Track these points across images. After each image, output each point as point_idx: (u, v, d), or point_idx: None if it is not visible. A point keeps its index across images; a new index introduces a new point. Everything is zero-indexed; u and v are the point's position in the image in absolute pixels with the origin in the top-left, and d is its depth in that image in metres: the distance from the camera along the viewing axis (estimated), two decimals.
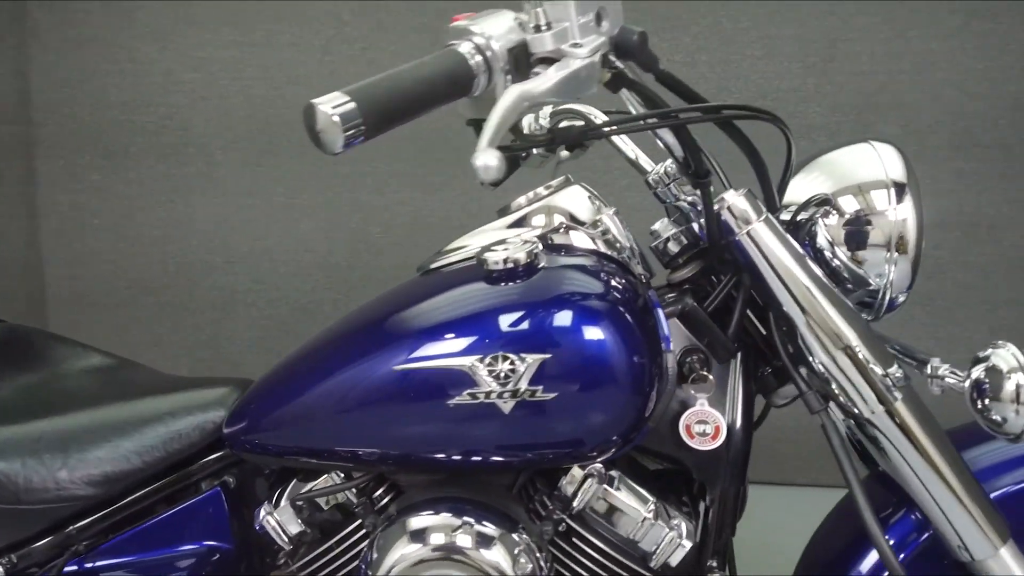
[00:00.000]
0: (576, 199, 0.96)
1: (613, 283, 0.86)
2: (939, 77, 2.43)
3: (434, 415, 0.83)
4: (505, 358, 0.79)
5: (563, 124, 0.96)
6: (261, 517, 0.90)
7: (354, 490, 0.89)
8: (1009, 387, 0.80)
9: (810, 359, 0.84)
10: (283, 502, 0.89)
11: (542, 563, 0.84)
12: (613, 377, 0.81)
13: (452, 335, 0.84)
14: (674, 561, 0.86)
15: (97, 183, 2.92)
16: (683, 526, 0.87)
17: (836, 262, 0.87)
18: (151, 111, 2.84)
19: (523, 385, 0.79)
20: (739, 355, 0.89)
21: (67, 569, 0.89)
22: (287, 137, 2.76)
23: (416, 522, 0.83)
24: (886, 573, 0.87)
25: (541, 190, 0.98)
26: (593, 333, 0.82)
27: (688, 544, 0.86)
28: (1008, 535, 0.89)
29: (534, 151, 1.05)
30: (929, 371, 0.87)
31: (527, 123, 0.95)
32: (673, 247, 0.93)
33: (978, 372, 0.82)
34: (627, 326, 0.83)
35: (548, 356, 0.80)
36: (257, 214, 2.81)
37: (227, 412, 0.92)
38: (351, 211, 2.76)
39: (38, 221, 2.93)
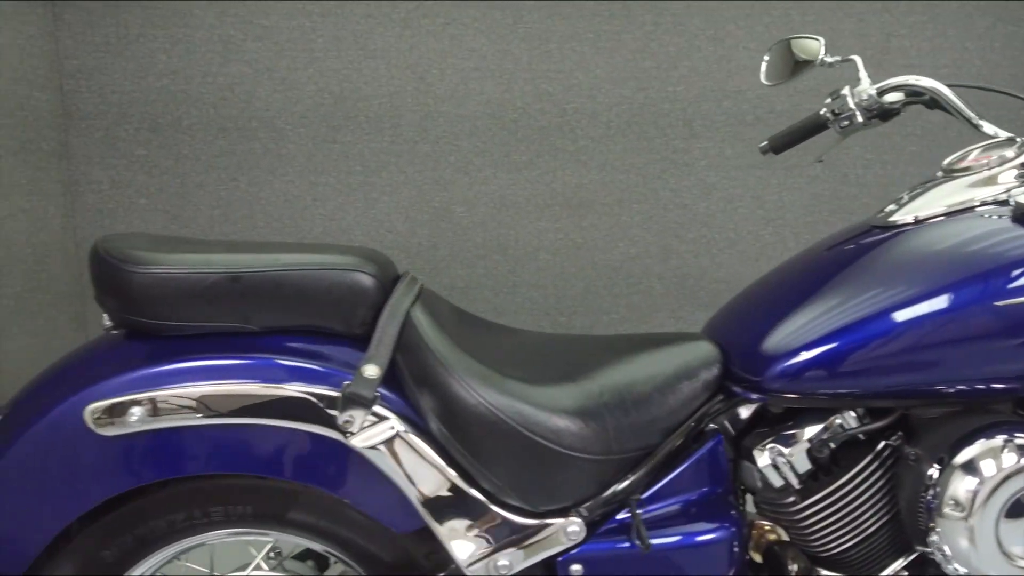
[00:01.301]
0: None
1: None
2: (972, 72, 2.78)
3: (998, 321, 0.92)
4: None
5: (888, 96, 1.14)
6: (768, 458, 0.99)
7: (864, 430, 0.99)
8: None
9: None
10: (796, 441, 0.99)
11: None
12: None
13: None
14: None
15: (143, 157, 2.68)
16: None
17: None
18: (207, 81, 2.64)
19: None
20: None
21: (619, 516, 0.97)
22: (364, 112, 2.67)
23: (980, 445, 0.93)
24: None
25: (1003, 152, 1.07)
26: None
27: None
28: None
29: (858, 119, 1.20)
30: None
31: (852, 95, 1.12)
32: None
33: None
34: None
35: None
36: (331, 192, 2.72)
37: (743, 349, 1.00)
38: (434, 189, 2.74)
39: (72, 199, 2.66)
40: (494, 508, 0.93)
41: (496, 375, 0.93)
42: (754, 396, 1.00)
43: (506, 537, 0.93)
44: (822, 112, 1.29)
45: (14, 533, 0.88)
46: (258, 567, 1.01)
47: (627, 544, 0.96)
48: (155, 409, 0.87)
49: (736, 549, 0.98)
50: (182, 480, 0.93)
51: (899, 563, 1.04)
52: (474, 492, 0.93)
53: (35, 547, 0.89)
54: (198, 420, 0.87)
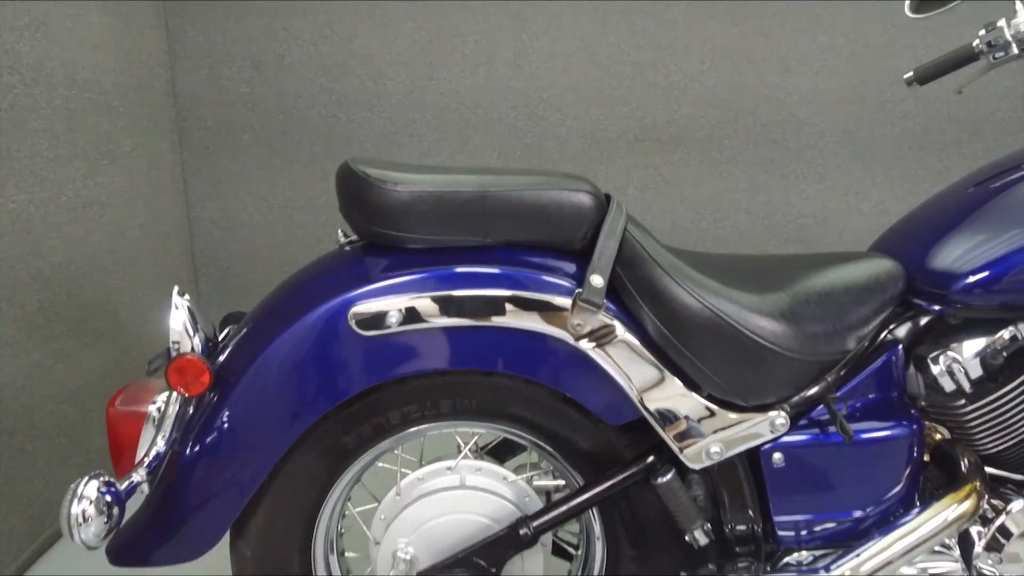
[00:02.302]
0: None
1: None
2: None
3: None
4: None
5: None
6: (943, 365, 1.07)
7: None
8: None
9: None
10: (971, 352, 1.06)
11: None
12: None
13: None
14: None
15: (245, 95, 2.77)
16: None
17: None
18: (308, 19, 2.70)
19: None
20: None
21: (814, 414, 1.07)
22: (459, 49, 2.72)
23: None
24: None
25: None
26: None
27: None
28: None
29: (1013, 50, 1.24)
30: None
31: (1010, 26, 1.16)
32: None
33: None
34: None
35: None
36: (427, 128, 2.79)
37: (947, 272, 1.06)
38: (527, 125, 2.79)
39: (180, 136, 2.76)
40: (708, 403, 1.04)
41: (714, 282, 1.03)
42: (937, 308, 1.08)
43: (719, 427, 1.04)
44: (975, 44, 1.32)
45: (272, 424, 0.99)
46: (465, 457, 1.13)
47: (822, 437, 1.06)
48: (412, 314, 0.97)
49: (916, 446, 1.07)
50: (417, 376, 1.04)
51: None
52: (691, 389, 1.03)
53: (292, 436, 1.01)
54: (448, 322, 0.97)
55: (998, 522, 1.09)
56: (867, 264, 1.12)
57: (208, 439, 1.01)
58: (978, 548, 1.09)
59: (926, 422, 1.15)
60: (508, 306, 0.99)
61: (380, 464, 1.20)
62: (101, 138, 2.20)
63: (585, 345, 1.00)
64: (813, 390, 1.07)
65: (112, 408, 1.07)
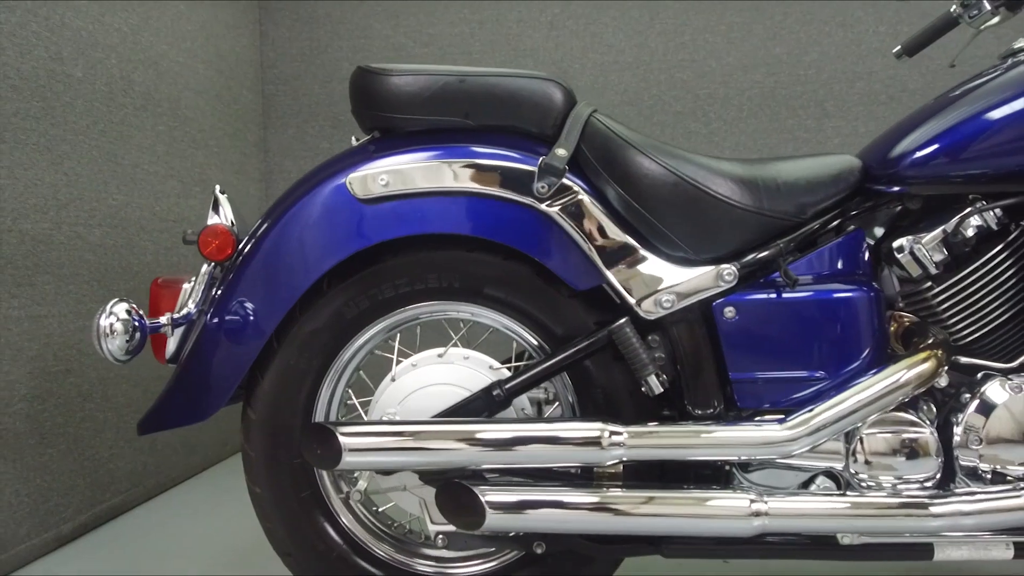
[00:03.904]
0: None
1: None
2: None
3: None
4: None
5: None
6: (907, 250, 1.10)
7: (996, 218, 1.09)
8: None
9: None
10: (931, 231, 1.09)
11: None
12: None
13: None
14: None
15: (326, 150, 3.11)
16: None
17: None
18: None
19: None
20: None
21: (769, 276, 1.12)
22: None
23: None
24: None
25: None
26: None
27: None
28: None
29: (986, 7, 1.30)
30: None
31: None
32: None
33: None
34: None
35: None
36: None
37: (879, 154, 1.14)
38: None
39: (267, 186, 3.11)
40: (661, 258, 1.12)
41: (667, 145, 1.14)
42: (894, 189, 1.13)
43: (671, 280, 1.10)
44: (952, 9, 1.41)
45: (277, 285, 1.13)
46: (455, 345, 1.23)
47: (774, 294, 1.09)
48: (400, 176, 1.12)
49: (872, 312, 1.09)
50: (407, 253, 1.17)
51: None
52: (645, 247, 1.12)
53: (293, 296, 1.14)
54: (431, 187, 1.12)
55: (973, 405, 1.07)
56: (829, 156, 1.20)
57: (223, 303, 1.16)
58: (957, 435, 1.08)
59: (901, 312, 1.17)
60: (482, 172, 1.12)
61: (377, 353, 1.31)
62: (195, 167, 2.53)
63: (550, 209, 1.11)
64: (766, 252, 1.12)
65: (156, 284, 1.25)
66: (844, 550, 1.06)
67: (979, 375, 1.11)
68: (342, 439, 1.06)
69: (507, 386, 1.14)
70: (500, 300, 1.18)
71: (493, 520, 1.02)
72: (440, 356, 1.23)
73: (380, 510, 1.28)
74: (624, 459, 1.04)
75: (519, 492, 1.04)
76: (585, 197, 1.12)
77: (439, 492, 1.07)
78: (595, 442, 1.03)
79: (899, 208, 1.18)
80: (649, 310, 1.11)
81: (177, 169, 2.42)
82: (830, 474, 1.09)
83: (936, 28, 1.57)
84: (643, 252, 1.12)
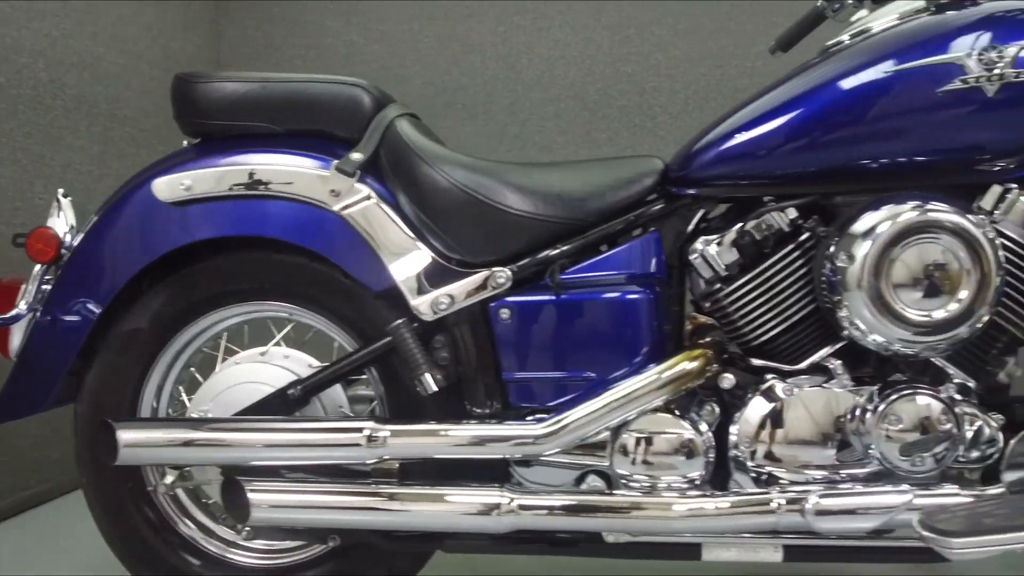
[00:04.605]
0: None
1: None
2: None
3: (919, 104, 1.01)
4: (992, 49, 0.97)
5: None
6: (699, 251, 1.09)
7: (788, 219, 1.08)
8: None
9: None
10: (719, 233, 1.09)
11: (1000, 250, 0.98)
12: None
13: (942, 38, 1.01)
14: None
15: None
16: None
17: None
18: None
19: (1007, 70, 0.97)
20: None
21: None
22: (461, 100, 3.01)
23: (889, 210, 0.99)
24: None
25: None
26: None
27: None
28: None
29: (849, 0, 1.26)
30: None
31: None
32: None
33: None
34: None
35: None
36: None
37: (675, 157, 1.15)
38: None
39: None
40: (440, 260, 1.14)
41: (455, 154, 1.17)
42: (688, 191, 1.13)
43: (447, 281, 1.12)
44: (818, 4, 1.39)
45: (92, 286, 1.17)
46: (278, 344, 1.28)
47: (546, 298, 1.11)
48: (202, 180, 1.17)
49: (651, 318, 1.09)
50: (218, 258, 1.22)
51: (826, 350, 1.09)
52: (426, 248, 1.15)
53: (107, 297, 1.19)
54: (228, 191, 1.16)
55: (748, 407, 1.07)
56: (632, 158, 1.20)
57: (48, 302, 1.22)
58: (732, 436, 1.08)
59: (696, 314, 1.17)
60: (279, 175, 1.16)
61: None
62: (137, 166, 2.61)
63: (343, 211, 1.14)
64: (544, 253, 1.13)
65: None
66: (610, 548, 1.07)
67: (765, 377, 1.10)
68: (119, 434, 1.11)
69: (302, 385, 1.17)
70: (312, 300, 1.22)
71: (257, 514, 1.06)
72: (262, 355, 1.27)
73: (211, 502, 1.33)
74: (386, 457, 1.07)
75: (282, 488, 1.07)
76: (376, 200, 1.15)
77: (222, 486, 1.11)
78: (356, 442, 1.06)
79: (703, 210, 1.18)
80: (424, 311, 1.13)
81: (115, 168, 2.50)
82: (602, 472, 1.11)
83: (805, 23, 1.55)
84: (425, 255, 1.15)
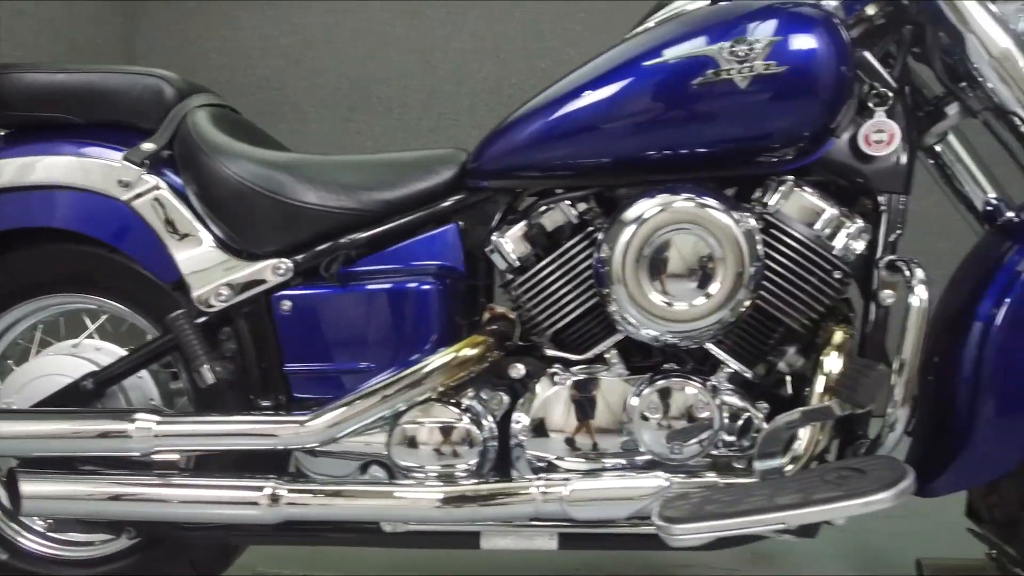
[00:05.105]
0: None
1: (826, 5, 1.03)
2: None
3: (677, 97, 1.02)
4: (743, 42, 0.98)
5: None
6: (494, 241, 1.09)
7: (576, 212, 1.08)
8: None
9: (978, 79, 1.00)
10: (513, 225, 1.09)
11: (759, 240, 1.00)
12: (827, 69, 0.99)
13: (691, 33, 1.02)
14: (851, 255, 1.03)
15: None
16: (861, 225, 1.04)
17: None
18: (248, 73, 3.08)
19: (758, 62, 0.98)
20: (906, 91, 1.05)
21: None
22: (376, 94, 3.00)
23: (660, 199, 1.00)
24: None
25: None
26: (814, 27, 1.00)
27: (866, 239, 1.03)
28: None
29: None
30: None
31: None
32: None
33: None
34: (840, 37, 1.00)
35: (779, 39, 0.97)
36: None
37: (473, 150, 1.14)
38: None
39: None
40: (225, 252, 1.14)
41: (240, 145, 1.16)
42: (483, 184, 1.13)
43: (228, 272, 1.12)
44: None
45: None
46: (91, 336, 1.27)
47: (326, 289, 1.10)
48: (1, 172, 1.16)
49: (437, 309, 1.09)
50: (22, 249, 1.21)
51: (610, 340, 1.08)
52: (212, 239, 1.14)
53: None
54: (22, 182, 1.15)
55: (527, 397, 1.08)
56: (435, 151, 1.20)
57: None
58: (513, 424, 1.08)
59: (493, 304, 1.17)
60: (71, 166, 1.16)
61: None
62: None
63: (131, 201, 1.14)
64: (329, 245, 1.13)
65: None
66: (389, 537, 1.07)
67: (552, 367, 1.11)
68: None
69: (95, 377, 1.17)
70: (116, 291, 1.22)
71: (28, 506, 1.06)
72: (74, 347, 1.27)
73: None
74: (158, 449, 1.07)
75: (55, 479, 1.07)
76: (165, 191, 1.14)
77: (6, 478, 1.11)
78: (126, 433, 1.05)
79: (508, 203, 1.18)
80: (204, 302, 1.13)
81: None
82: (383, 463, 1.11)
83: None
84: (209, 247, 1.14)
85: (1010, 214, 1.13)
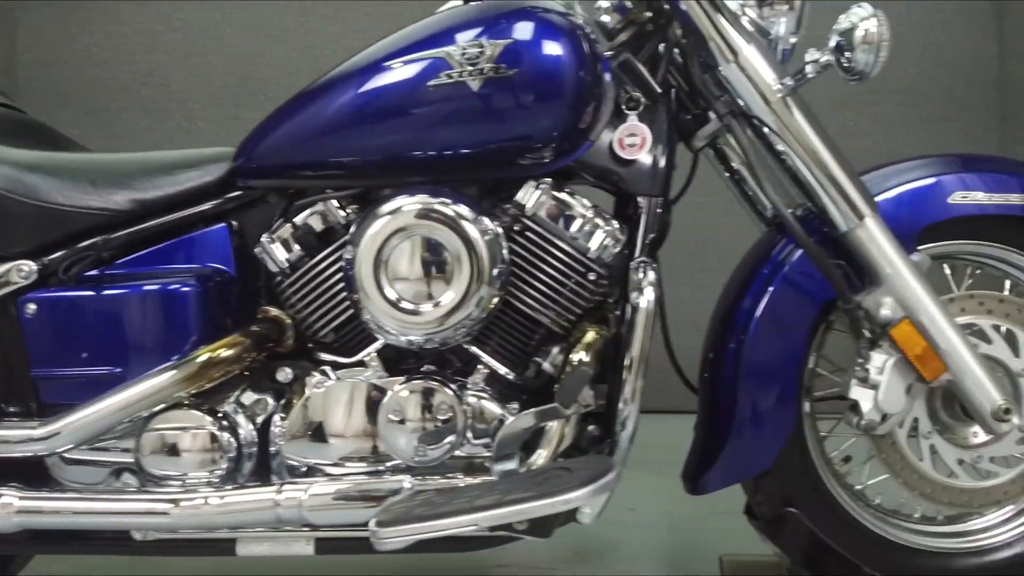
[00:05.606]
0: None
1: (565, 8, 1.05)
2: None
3: (416, 98, 1.02)
4: (476, 44, 0.99)
5: None
6: (261, 241, 1.07)
7: (342, 213, 1.07)
8: (859, 34, 0.98)
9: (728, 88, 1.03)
10: (282, 227, 1.08)
11: (502, 243, 1.01)
12: (561, 73, 1.00)
13: (431, 34, 1.04)
14: (608, 256, 1.04)
15: (79, 138, 3.07)
16: (617, 227, 1.05)
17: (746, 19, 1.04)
18: (132, 69, 3.01)
19: (488, 64, 0.98)
20: (671, 95, 1.09)
21: (89, 273, 1.09)
22: (264, 91, 2.95)
23: (399, 200, 1.01)
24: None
25: None
26: (550, 32, 1.02)
27: (621, 241, 1.05)
28: (874, 210, 1.06)
29: None
30: None
31: None
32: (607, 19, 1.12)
33: (835, 39, 1.01)
34: (578, 42, 1.01)
35: (511, 41, 0.98)
36: None
37: (236, 148, 1.12)
38: None
39: None
40: None
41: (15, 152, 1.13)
42: (249, 183, 1.11)
43: None
44: None
45: None
46: None
47: (70, 292, 1.07)
48: None
49: (191, 311, 1.07)
50: None
51: (373, 347, 1.08)
52: None
53: None
54: None
55: (288, 400, 1.07)
56: (210, 151, 1.18)
57: None
58: (273, 428, 1.06)
59: (268, 307, 1.15)
60: None
61: None
62: None
63: None
64: (81, 245, 1.10)
65: None
66: (142, 545, 1.05)
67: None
68: None
69: None
70: None
71: None
72: None
73: None
74: None
75: None
76: None
77: None
78: None
79: (286, 204, 1.16)
80: None
81: None
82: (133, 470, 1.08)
83: None
84: None
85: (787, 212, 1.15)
